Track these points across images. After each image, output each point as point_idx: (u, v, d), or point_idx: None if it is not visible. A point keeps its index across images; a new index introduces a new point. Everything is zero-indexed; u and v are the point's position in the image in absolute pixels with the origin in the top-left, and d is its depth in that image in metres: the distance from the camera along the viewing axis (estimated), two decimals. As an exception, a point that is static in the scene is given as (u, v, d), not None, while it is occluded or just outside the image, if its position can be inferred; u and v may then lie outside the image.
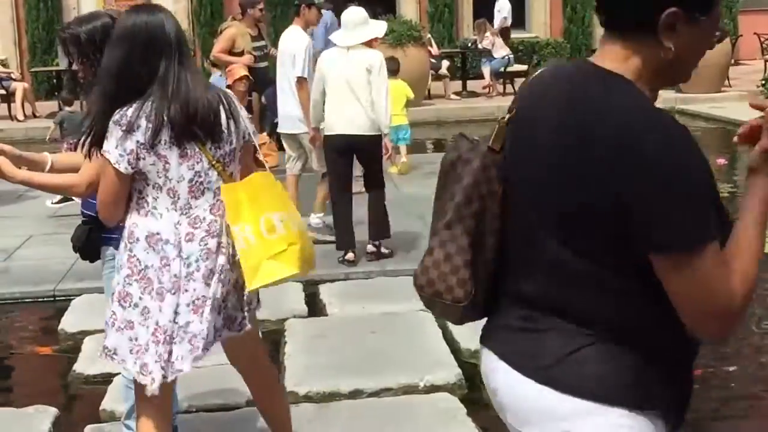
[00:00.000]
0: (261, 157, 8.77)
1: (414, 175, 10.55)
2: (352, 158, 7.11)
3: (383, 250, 7.27)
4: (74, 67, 3.84)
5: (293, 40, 8.00)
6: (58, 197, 8.83)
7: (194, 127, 3.28)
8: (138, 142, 3.24)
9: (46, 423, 4.58)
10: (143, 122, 3.24)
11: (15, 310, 6.62)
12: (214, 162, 3.34)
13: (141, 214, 3.35)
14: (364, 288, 6.65)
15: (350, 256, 7.11)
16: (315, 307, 6.34)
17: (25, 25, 19.36)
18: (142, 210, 3.35)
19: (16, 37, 19.52)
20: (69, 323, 6.10)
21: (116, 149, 3.23)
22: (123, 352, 3.40)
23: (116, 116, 3.25)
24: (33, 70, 18.84)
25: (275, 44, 10.44)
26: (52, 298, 6.75)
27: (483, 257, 2.06)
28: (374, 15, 8.59)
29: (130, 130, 3.23)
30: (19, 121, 16.30)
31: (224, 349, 3.75)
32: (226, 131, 3.37)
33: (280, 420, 3.89)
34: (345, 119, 6.93)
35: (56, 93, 17.43)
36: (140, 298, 3.34)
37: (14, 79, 17.00)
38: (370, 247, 7.21)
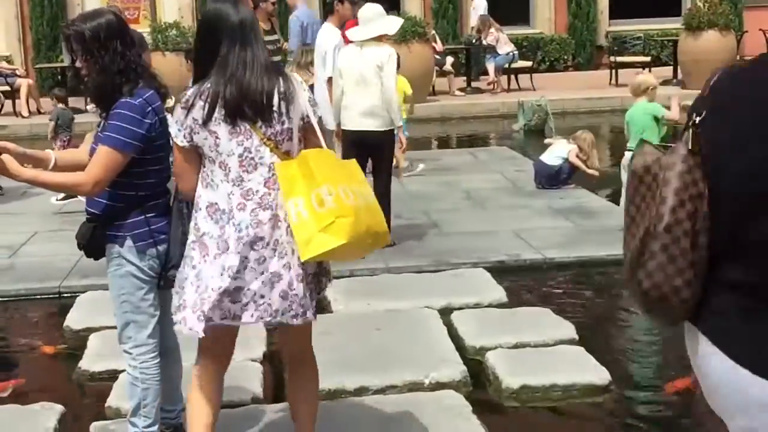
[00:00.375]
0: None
1: (418, 172, 10.54)
2: (366, 152, 7.15)
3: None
4: (78, 64, 3.85)
5: (325, 39, 8.13)
6: (64, 194, 8.84)
7: (245, 106, 3.46)
8: (194, 119, 3.46)
9: (52, 420, 4.58)
10: (199, 101, 3.46)
11: (20, 306, 6.62)
12: (264, 140, 3.50)
13: (204, 185, 3.56)
14: (368, 285, 6.64)
15: None
16: (320, 304, 6.30)
17: (29, 22, 19.35)
18: (204, 181, 3.55)
19: (21, 34, 19.52)
20: (74, 320, 6.10)
21: (176, 124, 3.50)
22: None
23: (180, 95, 3.53)
24: (37, 66, 18.83)
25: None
26: (57, 295, 6.75)
27: (699, 255, 2.12)
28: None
29: (188, 108, 3.46)
30: (23, 117, 16.31)
31: (279, 334, 3.92)
32: (277, 112, 3.50)
33: (307, 418, 3.89)
34: (358, 115, 7.10)
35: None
36: (199, 262, 3.51)
37: (19, 76, 17.00)
38: None
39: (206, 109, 3.44)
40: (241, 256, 3.44)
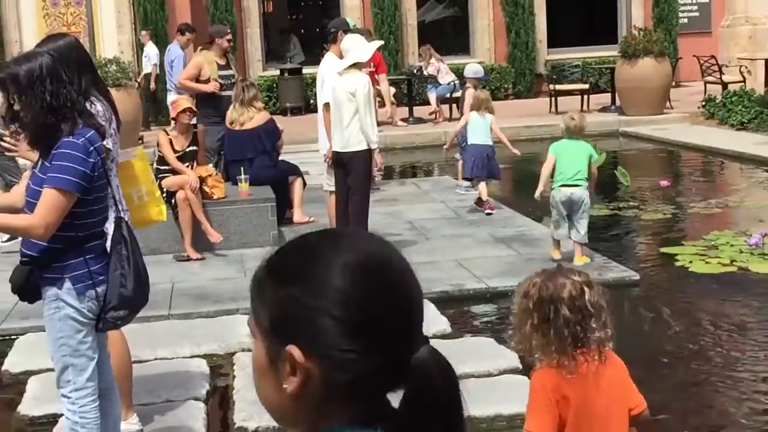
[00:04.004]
0: (207, 189, 8.86)
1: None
2: (344, 172, 7.77)
3: None
4: (15, 107, 3.82)
5: (325, 67, 8.49)
6: (7, 236, 8.68)
7: None
8: None
9: (-10, 467, 4.50)
10: None
11: (-43, 350, 6.49)
12: None
13: None
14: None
15: None
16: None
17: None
18: None
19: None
20: (12, 363, 6.00)
21: None
22: None
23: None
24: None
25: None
26: (-5, 338, 6.64)
27: None
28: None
29: None
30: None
31: None
32: None
33: None
34: (336, 137, 7.69)
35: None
36: None
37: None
38: None
39: None
40: None
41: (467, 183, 10.48)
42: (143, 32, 18.28)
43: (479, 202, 9.96)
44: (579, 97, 18.06)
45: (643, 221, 9.69)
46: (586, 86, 18.77)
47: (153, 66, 17.64)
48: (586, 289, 2.98)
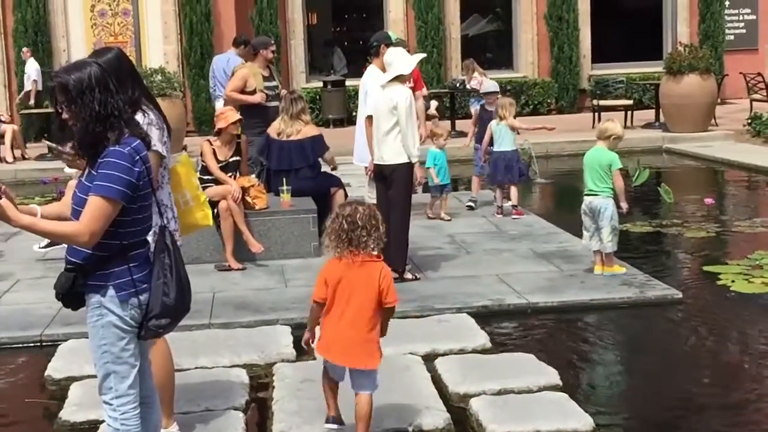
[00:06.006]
0: (250, 200, 8.93)
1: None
2: (384, 185, 7.83)
3: (406, 275, 7.76)
4: (64, 115, 3.86)
5: (368, 79, 8.67)
6: (47, 241, 8.81)
7: None
8: None
9: (31, 471, 4.54)
10: None
11: (1, 355, 6.57)
12: None
13: None
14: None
15: (407, 275, 7.76)
16: (304, 351, 6.30)
17: (14, 67, 19.39)
18: None
19: (6, 80, 19.55)
20: (55, 369, 6.06)
21: None
22: None
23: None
24: (22, 112, 18.84)
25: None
26: (39, 344, 6.71)
27: None
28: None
29: None
30: (8, 163, 16.30)
31: None
32: None
33: None
34: (377, 150, 7.75)
35: (45, 135, 17.46)
36: None
37: (3, 122, 17.00)
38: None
39: None
40: None
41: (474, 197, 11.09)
42: (24, 50, 18.65)
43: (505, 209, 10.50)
44: (623, 112, 17.94)
45: (687, 239, 9.60)
46: (630, 102, 18.66)
47: (33, 83, 18.09)
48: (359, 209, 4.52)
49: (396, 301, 4.62)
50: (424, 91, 10.71)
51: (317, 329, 4.71)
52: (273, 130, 9.47)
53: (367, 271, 4.52)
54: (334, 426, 4.82)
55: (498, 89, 11.65)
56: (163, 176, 4.63)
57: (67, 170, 8.72)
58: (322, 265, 4.71)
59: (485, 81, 17.93)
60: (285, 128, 9.35)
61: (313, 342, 4.76)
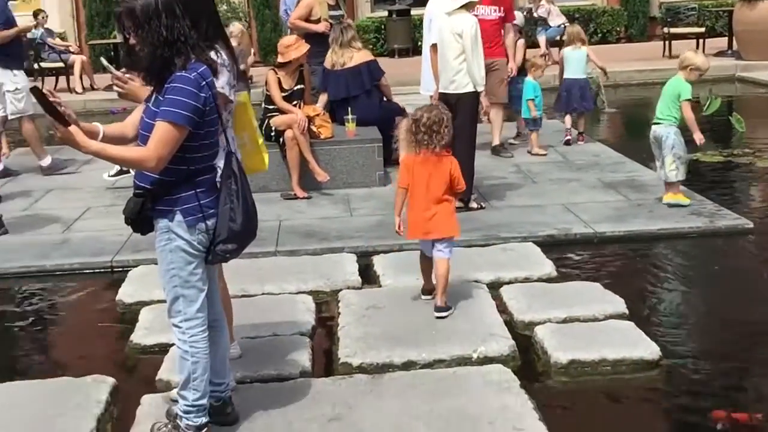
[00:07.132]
0: (315, 129, 8.92)
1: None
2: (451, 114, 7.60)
3: (471, 204, 7.76)
4: (131, 41, 3.87)
5: (433, 7, 8.58)
6: (116, 169, 8.93)
7: None
8: None
9: (103, 392, 4.65)
10: None
11: (73, 281, 6.71)
12: None
13: None
14: (417, 259, 6.62)
15: (473, 204, 7.79)
16: (369, 278, 6.36)
17: (82, -2, 19.53)
18: None
19: (74, 11, 19.71)
20: (126, 294, 6.18)
21: None
22: None
23: None
24: (91, 43, 19.00)
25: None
26: (109, 270, 6.84)
27: None
28: None
29: None
30: (77, 93, 16.51)
31: None
32: None
33: None
34: (443, 79, 7.61)
35: (114, 65, 17.58)
36: None
37: (72, 52, 17.19)
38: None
39: None
40: None
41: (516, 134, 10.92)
42: None
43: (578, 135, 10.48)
44: (694, 40, 17.53)
45: (758, 169, 9.41)
46: (702, 30, 18.21)
47: None
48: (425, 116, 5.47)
49: (464, 186, 5.70)
50: (517, 21, 10.22)
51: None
52: (327, 62, 9.44)
53: (440, 161, 5.47)
54: (429, 297, 5.66)
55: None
56: (228, 120, 4.61)
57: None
58: (396, 176, 5.77)
59: (553, 9, 17.71)
60: (337, 58, 9.33)
61: (401, 229, 5.56)
